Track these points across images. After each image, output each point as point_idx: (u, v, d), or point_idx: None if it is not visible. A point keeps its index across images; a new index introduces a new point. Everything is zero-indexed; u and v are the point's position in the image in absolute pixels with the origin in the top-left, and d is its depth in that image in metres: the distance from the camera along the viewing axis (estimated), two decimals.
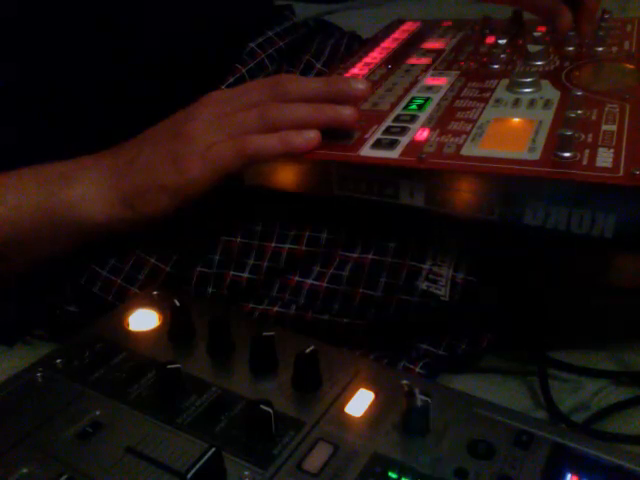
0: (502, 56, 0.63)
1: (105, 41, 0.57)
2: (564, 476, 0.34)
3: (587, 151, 0.45)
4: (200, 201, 0.50)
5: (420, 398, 0.36)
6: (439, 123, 0.52)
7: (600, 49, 0.65)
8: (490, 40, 0.71)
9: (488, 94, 0.57)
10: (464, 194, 0.46)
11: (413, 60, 0.68)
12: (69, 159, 0.51)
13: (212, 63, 0.61)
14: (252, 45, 0.64)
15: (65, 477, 0.33)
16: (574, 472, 0.34)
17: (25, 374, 0.42)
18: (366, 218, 0.53)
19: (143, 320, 0.47)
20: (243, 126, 0.49)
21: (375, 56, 0.70)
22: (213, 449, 0.33)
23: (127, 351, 0.44)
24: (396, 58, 0.69)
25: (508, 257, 0.51)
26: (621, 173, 0.42)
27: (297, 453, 0.35)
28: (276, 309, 0.53)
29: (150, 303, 0.48)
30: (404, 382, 0.37)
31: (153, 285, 0.52)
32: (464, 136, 0.50)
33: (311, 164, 0.50)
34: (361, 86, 0.53)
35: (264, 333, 0.41)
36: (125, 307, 0.48)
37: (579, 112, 0.49)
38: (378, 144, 0.50)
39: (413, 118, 0.54)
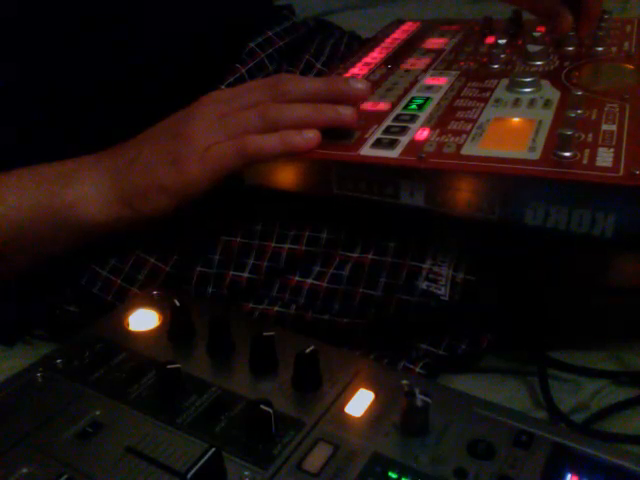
0: (502, 56, 0.63)
1: (105, 41, 0.57)
2: (564, 476, 0.34)
3: (587, 151, 0.45)
4: (200, 201, 0.50)
5: (420, 398, 0.36)
6: (439, 123, 0.52)
7: (600, 49, 0.65)
8: (490, 40, 0.71)
9: (488, 94, 0.57)
10: (464, 194, 0.46)
11: (413, 60, 0.68)
12: (69, 159, 0.51)
13: (212, 63, 0.61)
14: (252, 45, 0.64)
15: (65, 477, 0.33)
16: (574, 472, 0.34)
17: (25, 374, 0.42)
18: (366, 218, 0.53)
19: (143, 320, 0.47)
20: (243, 126, 0.49)
21: (375, 56, 0.70)
22: (213, 449, 0.33)
23: (127, 351, 0.44)
24: (396, 58, 0.69)
25: (508, 257, 0.51)
26: (621, 173, 0.42)
27: (297, 453, 0.35)
28: (276, 309, 0.53)
29: (150, 303, 0.48)
30: (404, 382, 0.37)
31: (153, 285, 0.52)
32: (464, 136, 0.50)
33: (311, 164, 0.50)
34: (361, 86, 0.53)
35: (264, 333, 0.41)
36: (125, 307, 0.48)
37: (579, 112, 0.49)
38: (378, 144, 0.50)
39: (413, 118, 0.54)
